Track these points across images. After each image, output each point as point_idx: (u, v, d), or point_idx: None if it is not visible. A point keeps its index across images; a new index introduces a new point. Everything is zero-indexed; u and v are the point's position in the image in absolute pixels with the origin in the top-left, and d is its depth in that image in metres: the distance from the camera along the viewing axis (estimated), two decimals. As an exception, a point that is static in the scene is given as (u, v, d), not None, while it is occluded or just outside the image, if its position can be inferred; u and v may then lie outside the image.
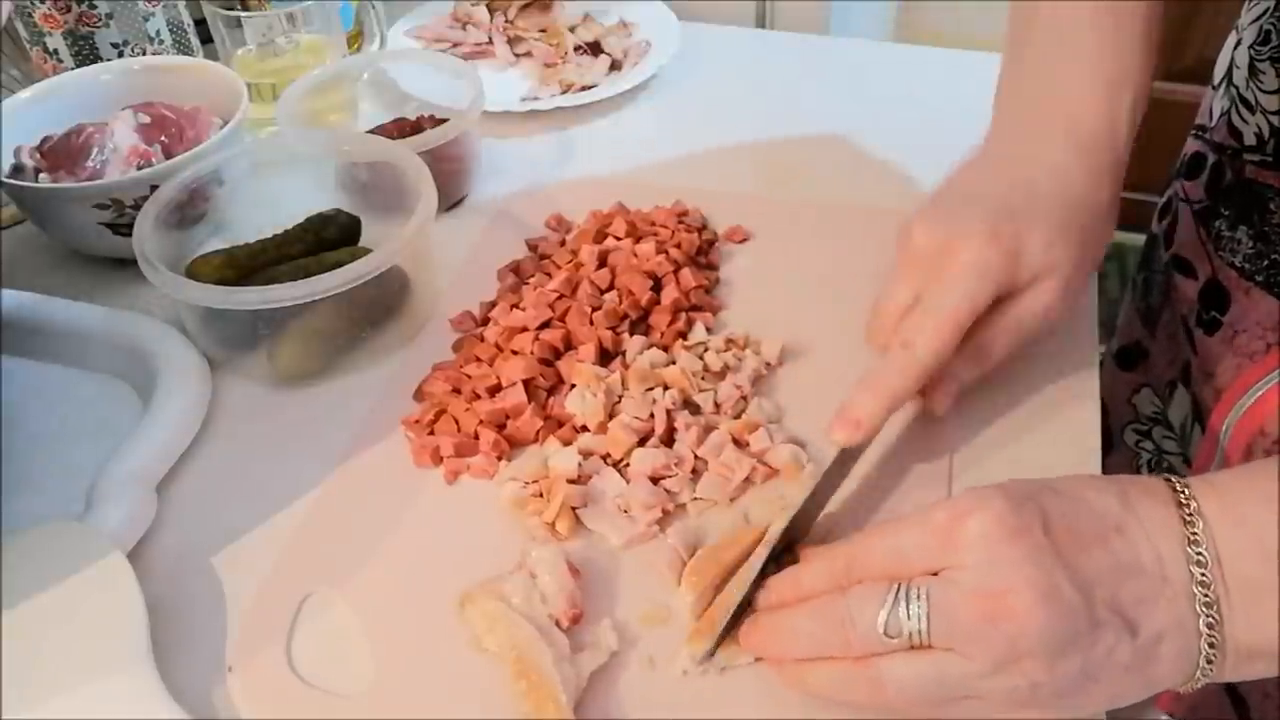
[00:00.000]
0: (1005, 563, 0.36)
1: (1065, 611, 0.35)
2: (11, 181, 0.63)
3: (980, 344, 0.49)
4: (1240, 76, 0.56)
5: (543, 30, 0.88)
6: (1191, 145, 0.64)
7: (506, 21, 0.89)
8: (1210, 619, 0.36)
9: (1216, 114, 0.60)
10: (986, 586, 0.36)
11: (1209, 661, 0.37)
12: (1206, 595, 0.36)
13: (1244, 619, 0.36)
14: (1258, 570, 0.36)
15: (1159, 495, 0.38)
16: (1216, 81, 0.61)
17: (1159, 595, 0.36)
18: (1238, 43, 0.58)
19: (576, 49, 0.86)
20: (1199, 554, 0.37)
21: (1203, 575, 0.36)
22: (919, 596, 0.37)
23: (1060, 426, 0.53)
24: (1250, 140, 0.56)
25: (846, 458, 0.48)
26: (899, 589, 0.37)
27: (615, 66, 0.84)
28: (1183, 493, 0.38)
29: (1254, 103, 0.55)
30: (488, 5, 0.89)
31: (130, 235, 0.56)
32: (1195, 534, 0.37)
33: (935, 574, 0.37)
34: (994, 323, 0.49)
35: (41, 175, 0.64)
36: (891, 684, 0.37)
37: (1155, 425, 0.69)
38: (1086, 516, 0.38)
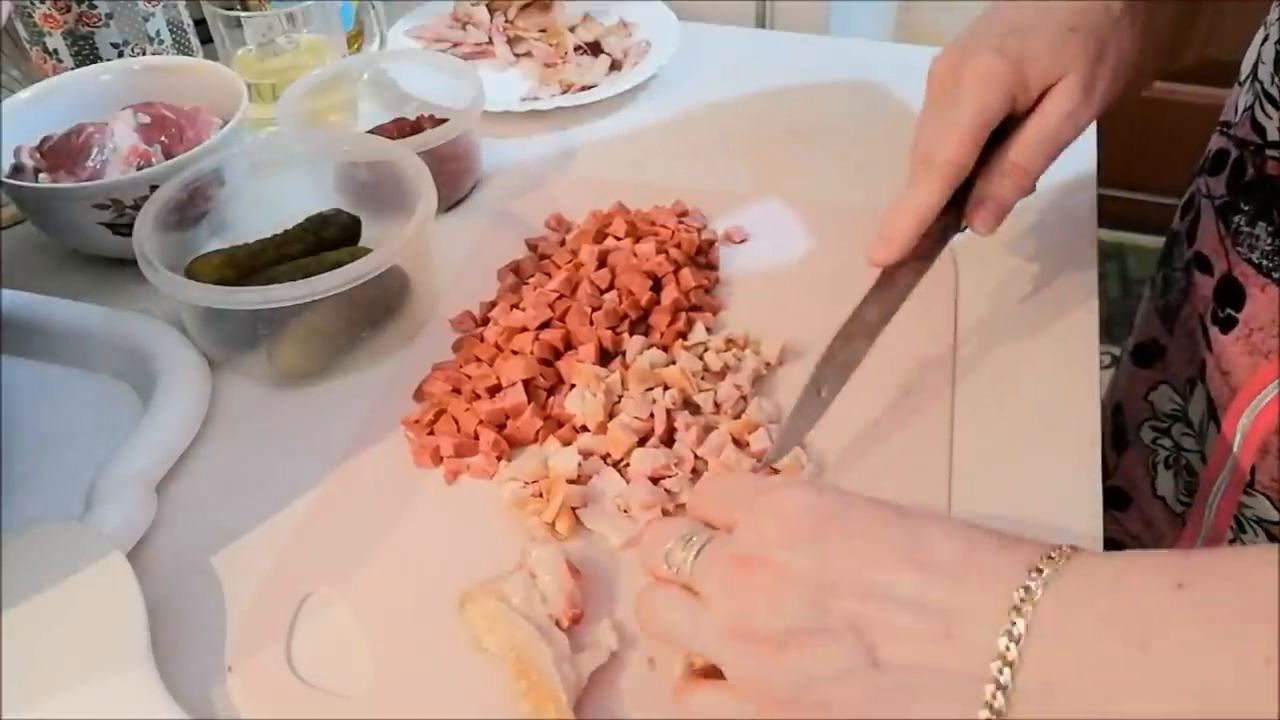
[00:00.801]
0: (772, 537, 0.37)
1: (796, 599, 0.35)
2: (11, 181, 0.63)
3: (1014, 160, 0.51)
4: (1265, 72, 0.56)
5: (543, 30, 0.88)
6: (1216, 141, 0.64)
7: (506, 21, 0.89)
8: (990, 701, 0.32)
9: (1240, 109, 0.60)
10: (743, 554, 0.37)
11: None
12: (1000, 677, 0.32)
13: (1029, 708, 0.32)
14: (1076, 683, 0.32)
15: (1008, 578, 0.33)
16: (1242, 77, 0.61)
17: (919, 633, 0.33)
18: (1265, 38, 0.58)
19: (576, 49, 0.86)
20: (1007, 646, 0.32)
21: (1004, 664, 0.32)
22: (696, 541, 0.39)
23: (1060, 426, 0.53)
24: (1273, 135, 0.56)
25: (884, 292, 0.50)
26: (693, 533, 0.39)
27: (615, 66, 0.84)
28: (1035, 590, 0.32)
29: (1278, 98, 0.55)
30: (488, 5, 0.89)
31: (130, 235, 0.56)
32: (1013, 624, 0.32)
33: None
34: (1022, 135, 0.51)
35: (41, 175, 0.64)
36: (651, 607, 0.40)
37: (1175, 422, 0.69)
38: (894, 540, 0.36)
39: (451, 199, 0.70)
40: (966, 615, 0.33)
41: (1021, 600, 0.32)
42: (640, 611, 0.41)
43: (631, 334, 0.57)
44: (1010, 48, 0.50)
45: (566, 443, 0.51)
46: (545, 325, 0.57)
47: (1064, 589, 0.32)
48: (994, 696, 0.32)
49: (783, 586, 0.36)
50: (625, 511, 0.48)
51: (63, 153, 0.64)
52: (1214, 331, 0.61)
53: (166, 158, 0.65)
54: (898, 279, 0.51)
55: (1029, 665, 0.31)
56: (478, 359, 0.56)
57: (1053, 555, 0.34)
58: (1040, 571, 0.33)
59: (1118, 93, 0.53)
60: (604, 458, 0.51)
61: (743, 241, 0.66)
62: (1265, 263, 0.56)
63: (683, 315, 0.58)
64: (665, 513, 0.49)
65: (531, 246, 0.66)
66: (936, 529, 0.36)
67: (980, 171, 0.51)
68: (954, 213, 0.52)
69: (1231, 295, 0.59)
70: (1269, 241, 0.56)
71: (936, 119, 0.51)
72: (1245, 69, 0.61)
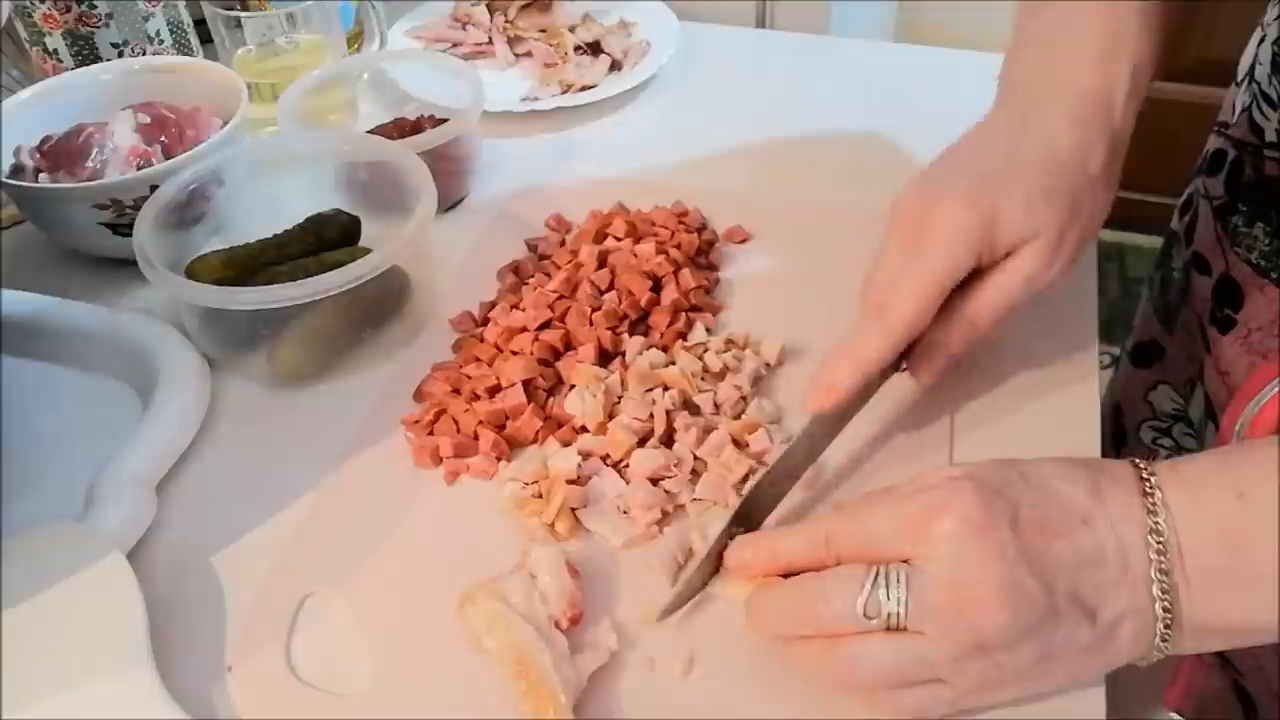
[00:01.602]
0: (972, 558, 0.37)
1: (1026, 605, 0.37)
2: (11, 181, 0.63)
3: (966, 314, 0.49)
4: (1262, 73, 0.56)
5: (543, 30, 0.88)
6: (1213, 142, 0.64)
7: (506, 21, 0.89)
8: (1166, 603, 0.38)
9: (1238, 110, 0.60)
10: (954, 579, 0.37)
11: (1164, 640, 0.39)
12: (1164, 581, 0.38)
13: (1201, 601, 0.38)
14: (1215, 558, 0.38)
15: (1126, 484, 0.39)
16: (1239, 78, 0.61)
17: (1119, 582, 0.38)
18: (1261, 39, 0.58)
19: (576, 49, 0.86)
20: (1159, 543, 0.38)
21: (1162, 563, 0.38)
22: (899, 580, 0.38)
23: (1060, 426, 0.53)
24: (1271, 136, 0.56)
25: (819, 428, 0.48)
26: (878, 572, 0.38)
27: (615, 66, 0.84)
28: (1148, 480, 0.39)
29: (1276, 99, 0.55)
30: (488, 5, 0.89)
31: (130, 235, 0.56)
32: (1158, 523, 0.38)
33: (907, 560, 0.39)
34: (979, 291, 0.49)
35: (41, 175, 0.64)
36: (864, 664, 0.39)
37: (1176, 422, 0.69)
38: (1054, 507, 0.39)
39: (451, 199, 0.70)
40: (1127, 546, 0.38)
41: (1151, 514, 0.38)
42: (840, 668, 0.39)
43: (631, 334, 0.57)
44: (982, 202, 0.47)
45: (566, 443, 0.51)
46: (545, 326, 0.57)
47: (1174, 497, 0.39)
48: (1163, 591, 0.38)
49: (1007, 594, 0.37)
50: (625, 512, 0.48)
51: (63, 153, 0.64)
52: (1212, 332, 0.61)
53: (166, 158, 0.65)
54: (828, 420, 0.48)
55: (1186, 556, 0.38)
56: (477, 359, 0.56)
57: (1143, 476, 0.40)
58: (1150, 493, 0.39)
59: (1085, 248, 0.51)
60: (604, 458, 0.51)
61: (743, 242, 0.66)
62: (1264, 263, 0.56)
63: (682, 316, 0.58)
64: (665, 514, 0.49)
65: (531, 247, 0.66)
66: (1062, 482, 0.40)
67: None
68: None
69: (1230, 295, 0.59)
70: (1267, 242, 0.56)
71: (896, 264, 0.48)
72: (1242, 69, 0.61)
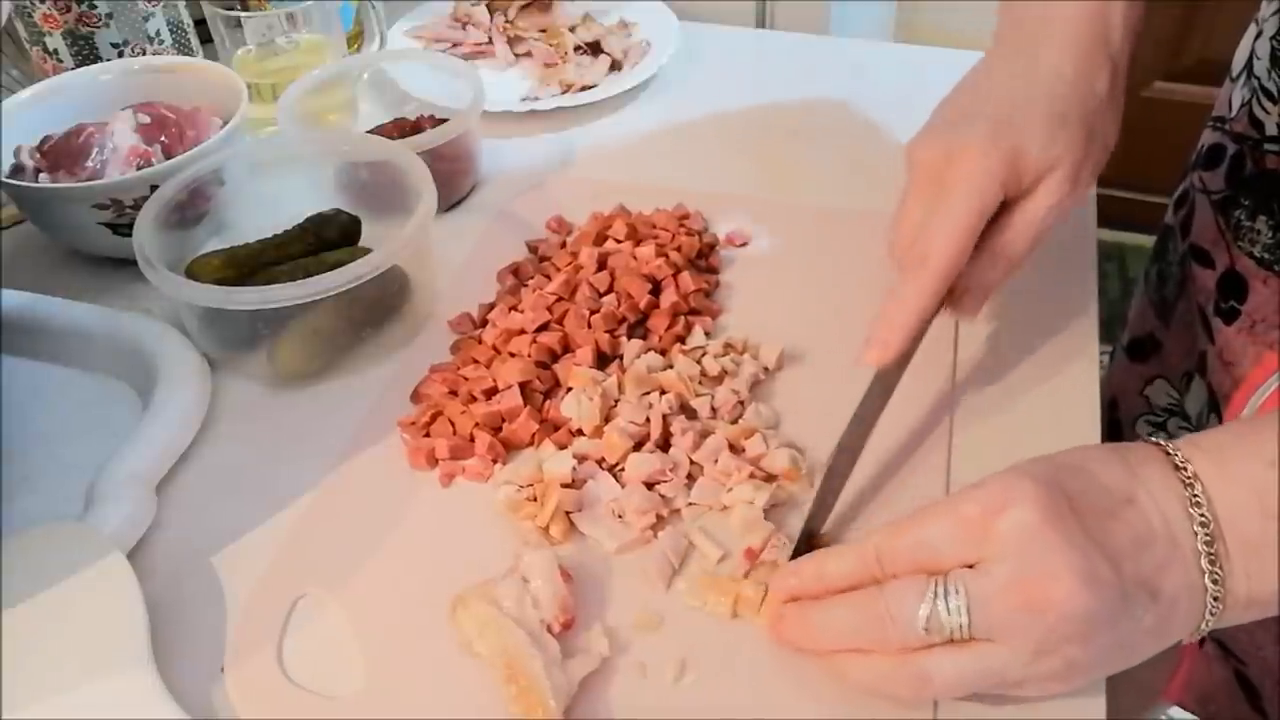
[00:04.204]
0: (1045, 550, 0.37)
1: (1103, 592, 0.37)
2: (11, 181, 0.63)
3: (999, 248, 0.50)
4: (1261, 68, 0.57)
5: (543, 30, 0.88)
6: (1210, 137, 0.64)
7: (506, 21, 0.89)
8: (1215, 575, 0.38)
9: (1236, 105, 0.60)
10: (1027, 576, 0.37)
11: (1212, 614, 0.39)
12: (1211, 553, 0.38)
13: (1243, 572, 0.38)
14: (1255, 525, 0.38)
15: (1157, 461, 0.40)
16: (1235, 73, 0.61)
17: (1172, 560, 0.38)
18: (1258, 34, 0.58)
19: (576, 49, 0.86)
20: (1201, 515, 0.38)
21: (1206, 535, 0.38)
22: (957, 592, 0.37)
23: (1060, 426, 0.53)
24: (1271, 130, 0.56)
25: (879, 385, 0.49)
26: (936, 585, 0.38)
27: (615, 66, 0.84)
28: (1176, 455, 0.39)
29: (1275, 93, 0.55)
30: (488, 5, 0.89)
31: (130, 235, 0.56)
32: (1196, 496, 0.38)
33: (969, 565, 0.38)
34: (1009, 225, 0.50)
35: (41, 175, 0.65)
36: (936, 678, 0.38)
37: (1171, 416, 0.70)
38: (1099, 491, 0.39)
39: (451, 199, 0.70)
40: (1172, 523, 0.38)
41: (1188, 487, 0.39)
42: (912, 685, 0.39)
43: (630, 337, 0.57)
44: (1004, 141, 0.48)
45: (562, 447, 0.51)
46: (543, 328, 0.57)
47: (1204, 469, 0.39)
48: (1210, 563, 0.38)
49: (1079, 590, 0.36)
50: (620, 517, 0.48)
51: (63, 153, 0.65)
52: (1217, 323, 0.61)
53: (166, 158, 0.65)
54: (889, 373, 0.49)
55: (1226, 526, 0.38)
56: (475, 361, 0.56)
57: (1170, 453, 0.40)
58: (1181, 467, 0.39)
59: (1099, 171, 0.52)
60: (599, 462, 0.51)
61: (744, 245, 0.66)
62: (1267, 256, 0.57)
63: (681, 319, 0.58)
64: (660, 518, 0.49)
65: (532, 248, 0.66)
66: (1098, 465, 0.40)
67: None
68: None
69: (1234, 288, 0.59)
70: (1270, 235, 0.56)
71: (926, 211, 0.49)
72: (1238, 65, 0.61)
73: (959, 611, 0.37)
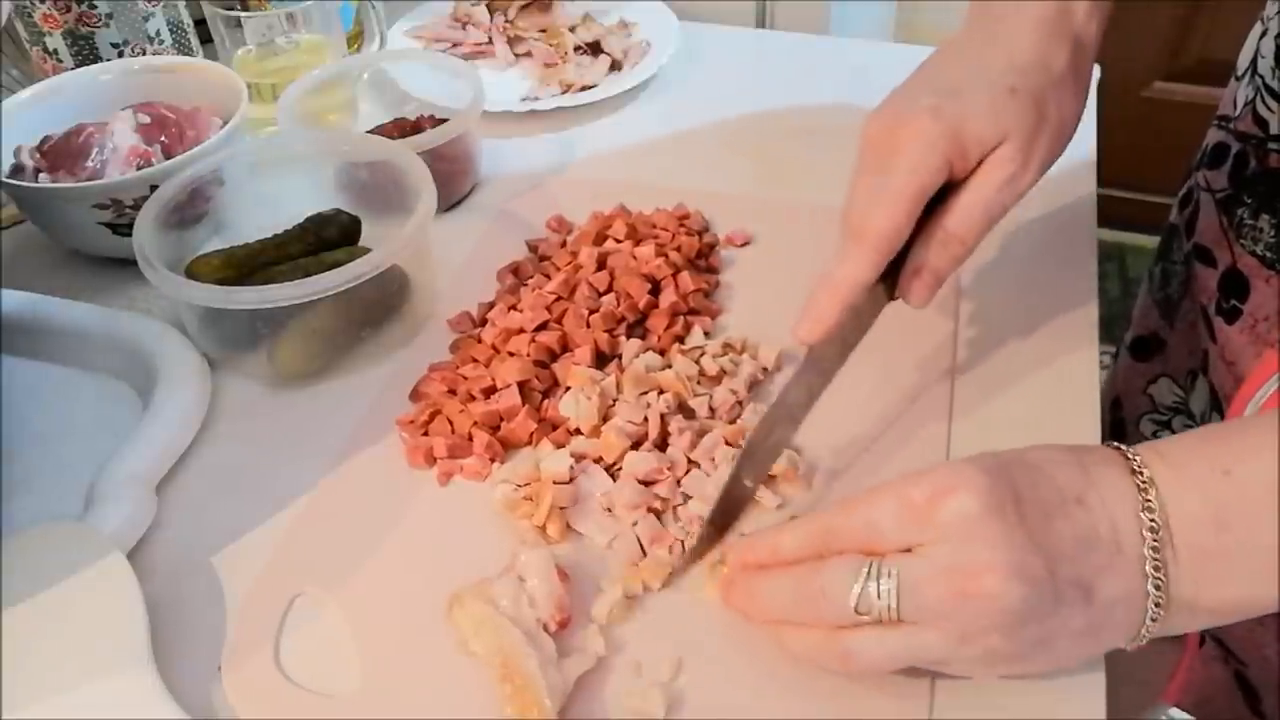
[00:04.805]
0: (980, 541, 0.37)
1: (1033, 587, 0.37)
2: (11, 181, 0.63)
3: (948, 228, 0.48)
4: (1265, 66, 0.57)
5: (543, 30, 0.88)
6: (1213, 135, 0.64)
7: (506, 21, 0.89)
8: (1158, 581, 0.38)
9: (1240, 104, 0.60)
10: (959, 564, 0.37)
11: (1153, 620, 0.39)
12: (1156, 560, 0.38)
13: (1190, 579, 0.38)
14: (1207, 533, 0.38)
15: (1114, 464, 0.40)
16: (1240, 72, 0.61)
17: (1114, 563, 0.38)
18: (1263, 33, 0.58)
19: (576, 49, 0.86)
20: (1152, 520, 0.38)
21: (1155, 541, 0.38)
22: (889, 575, 0.38)
23: (1060, 426, 0.53)
24: (1275, 129, 0.56)
25: (814, 367, 0.48)
26: (871, 566, 0.38)
27: (615, 66, 0.84)
28: (1135, 460, 0.39)
29: (1279, 91, 0.55)
30: (488, 5, 0.89)
31: (130, 235, 0.56)
32: (1149, 501, 0.38)
33: (909, 549, 0.38)
34: (959, 204, 0.48)
35: (41, 175, 0.65)
36: (863, 656, 0.39)
37: (1176, 415, 0.70)
38: (1050, 489, 0.39)
39: (451, 199, 0.70)
40: (1119, 527, 0.38)
41: (1142, 492, 0.39)
42: (839, 659, 0.39)
43: (629, 337, 0.57)
44: (947, 111, 0.47)
45: (560, 446, 0.51)
46: (543, 327, 0.57)
47: (1161, 475, 0.39)
48: (1155, 569, 0.38)
49: (1007, 583, 0.36)
50: (609, 510, 0.48)
51: (63, 153, 0.65)
52: (1219, 322, 0.61)
53: (166, 158, 0.65)
54: (824, 356, 0.48)
55: (1176, 533, 0.38)
56: (474, 360, 0.56)
57: (1129, 457, 0.40)
58: (1138, 472, 0.39)
59: (1059, 152, 0.50)
60: (597, 461, 0.51)
61: (744, 245, 0.66)
62: (1270, 254, 0.57)
63: (680, 319, 0.58)
64: (651, 511, 0.49)
65: (532, 248, 0.66)
66: (1054, 465, 0.40)
67: (915, 239, 0.48)
68: (887, 283, 0.49)
69: (1236, 287, 0.59)
70: (1272, 234, 0.57)
71: (869, 185, 0.48)
72: (1243, 64, 0.61)
73: (889, 595, 0.38)
